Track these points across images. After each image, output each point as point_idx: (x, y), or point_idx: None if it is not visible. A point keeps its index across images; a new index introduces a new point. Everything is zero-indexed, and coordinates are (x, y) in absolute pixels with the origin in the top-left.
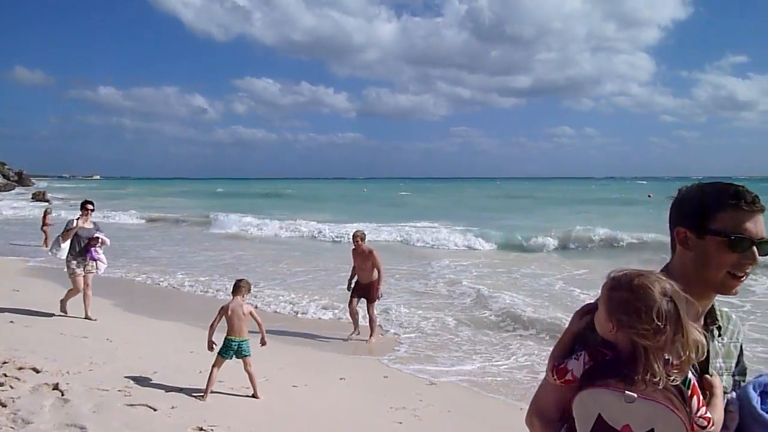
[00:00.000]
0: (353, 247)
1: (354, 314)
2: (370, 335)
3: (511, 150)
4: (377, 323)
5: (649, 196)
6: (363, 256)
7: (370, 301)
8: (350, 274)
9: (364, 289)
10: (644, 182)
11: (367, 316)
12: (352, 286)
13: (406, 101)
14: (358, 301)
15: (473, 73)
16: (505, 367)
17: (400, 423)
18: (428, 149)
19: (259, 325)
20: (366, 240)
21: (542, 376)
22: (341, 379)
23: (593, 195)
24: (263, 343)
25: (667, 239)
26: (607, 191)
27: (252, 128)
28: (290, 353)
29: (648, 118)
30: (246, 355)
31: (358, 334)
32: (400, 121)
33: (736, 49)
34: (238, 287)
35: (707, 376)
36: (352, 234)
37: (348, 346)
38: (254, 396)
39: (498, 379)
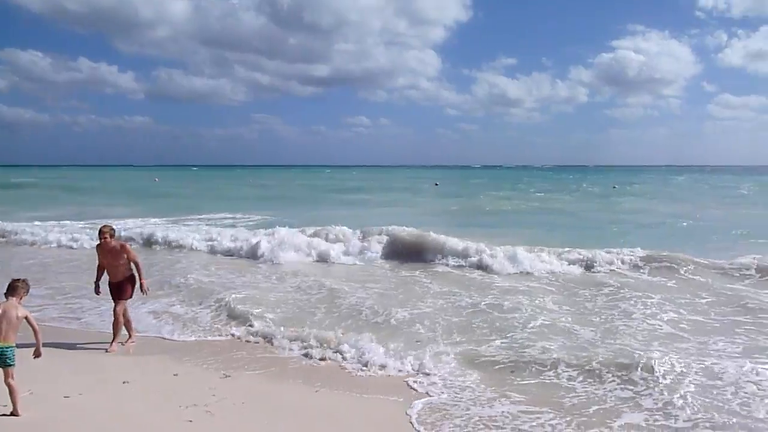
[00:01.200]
0: (98, 243)
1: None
2: (129, 339)
3: (311, 138)
4: (131, 324)
5: (436, 184)
6: (114, 253)
7: (121, 299)
8: (96, 275)
9: (119, 287)
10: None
11: (121, 317)
12: (100, 286)
13: (201, 85)
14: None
15: (272, 59)
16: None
17: (190, 421)
18: (228, 135)
19: (35, 332)
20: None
21: None
22: (124, 383)
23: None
24: (37, 354)
25: None
26: (394, 179)
27: (16, 107)
28: (64, 361)
29: (435, 111)
30: (9, 365)
31: (134, 342)
32: (196, 106)
33: (507, 52)
34: (14, 287)
35: None
36: (98, 229)
37: (134, 347)
38: (13, 414)
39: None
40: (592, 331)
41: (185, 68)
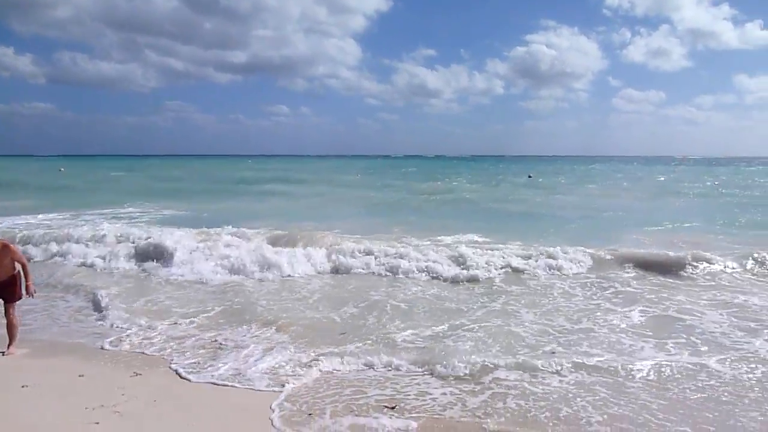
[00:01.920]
0: None
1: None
2: (9, 344)
3: (229, 127)
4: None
5: (358, 175)
6: None
7: (11, 301)
8: None
9: (4, 288)
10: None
11: (14, 318)
12: None
13: (109, 69)
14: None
15: (186, 45)
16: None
17: (97, 423)
18: (139, 124)
19: None
20: None
21: None
22: (23, 387)
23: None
24: None
25: None
26: (315, 170)
27: None
28: None
29: (356, 100)
30: None
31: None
32: (104, 92)
33: (427, 43)
34: None
35: None
36: None
37: (34, 346)
38: None
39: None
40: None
41: (91, 52)
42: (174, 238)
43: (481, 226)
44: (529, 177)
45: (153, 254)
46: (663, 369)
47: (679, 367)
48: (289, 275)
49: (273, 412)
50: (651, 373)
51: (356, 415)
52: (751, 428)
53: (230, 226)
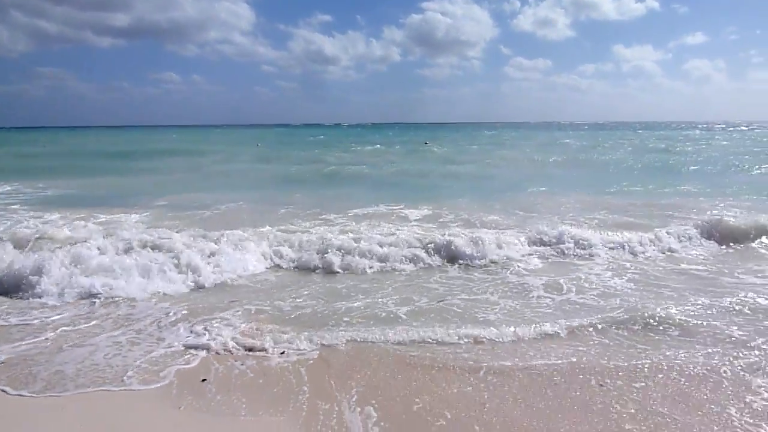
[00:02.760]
0: None
1: None
2: None
3: (112, 96)
4: None
5: (258, 144)
6: None
7: None
8: None
9: None
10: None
11: None
12: None
13: None
14: None
15: (59, 5)
16: None
17: None
18: (7, 93)
19: None
20: None
21: None
22: None
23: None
24: None
25: None
26: (211, 140)
27: None
28: None
29: (251, 67)
30: None
31: None
32: None
33: (322, 9)
34: None
35: None
36: None
37: None
38: None
39: None
40: None
41: None
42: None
43: (394, 195)
44: (426, 144)
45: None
46: None
47: None
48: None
49: None
50: None
51: None
52: None
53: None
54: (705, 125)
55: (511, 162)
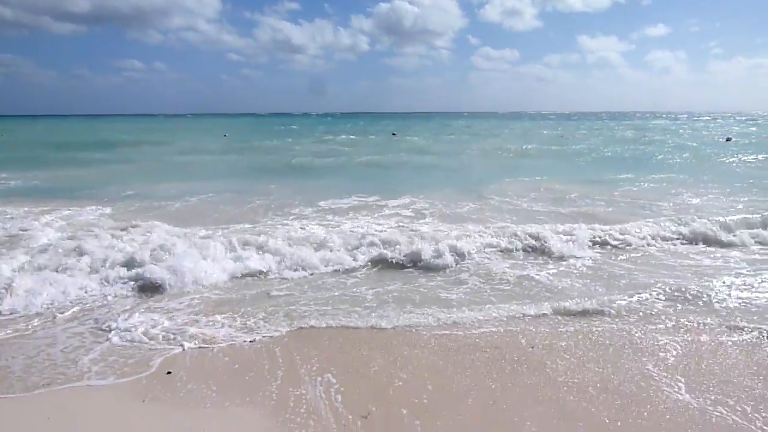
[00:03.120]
0: None
1: None
2: None
3: (73, 84)
4: None
5: (225, 135)
6: None
7: None
8: None
9: None
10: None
11: None
12: None
13: None
14: None
15: None
16: None
17: None
18: None
19: None
20: None
21: None
22: None
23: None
24: None
25: None
26: (175, 130)
27: None
28: None
29: (217, 55)
30: None
31: None
32: None
33: None
34: None
35: None
36: None
37: None
38: None
39: None
40: None
41: None
42: None
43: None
44: (393, 135)
45: None
46: None
47: None
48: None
49: None
50: None
51: None
52: None
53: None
54: (669, 115)
55: (489, 152)
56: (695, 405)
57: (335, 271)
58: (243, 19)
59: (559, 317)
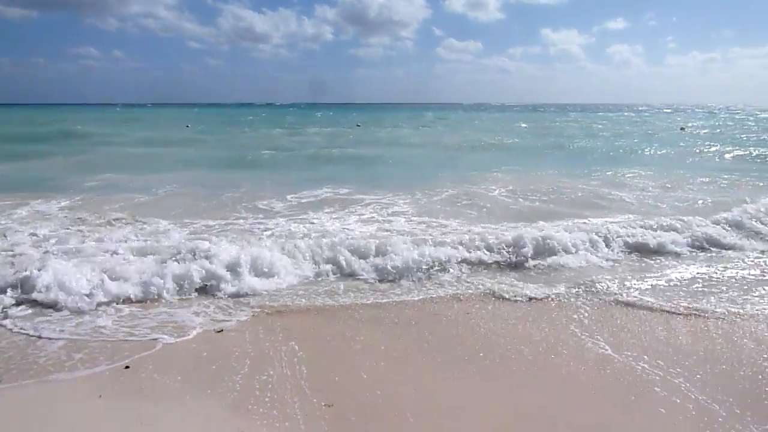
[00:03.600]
0: None
1: None
2: None
3: (25, 71)
4: None
5: (188, 126)
6: None
7: None
8: None
9: None
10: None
11: None
12: None
13: None
14: None
15: None
16: None
17: None
18: None
19: None
20: None
21: None
22: None
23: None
24: None
25: None
26: (134, 121)
27: None
28: None
29: (177, 43)
30: None
31: None
32: None
33: None
34: None
35: None
36: None
37: None
38: None
39: None
40: None
41: None
42: None
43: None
44: (358, 126)
45: None
46: None
47: None
48: None
49: None
50: None
51: None
52: None
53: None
54: (631, 107)
55: (466, 144)
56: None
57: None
58: (204, 6)
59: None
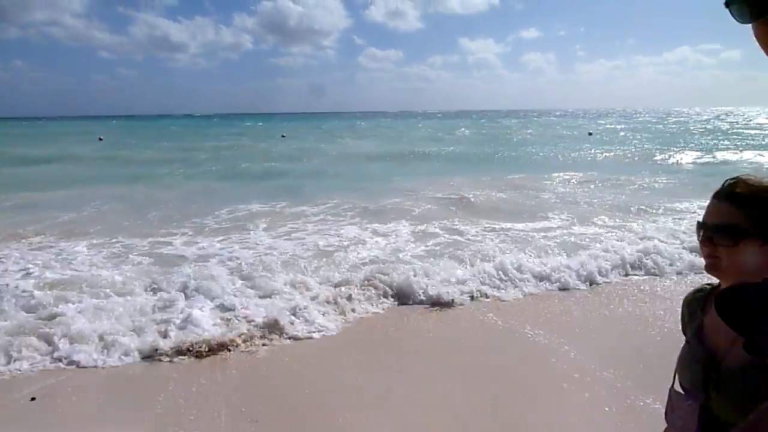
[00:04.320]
0: None
1: None
2: None
3: None
4: None
5: (100, 138)
6: None
7: None
8: None
9: None
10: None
11: None
12: None
13: None
14: None
15: None
16: None
17: None
18: None
19: None
20: None
21: None
22: None
23: None
24: None
25: None
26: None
27: None
28: None
29: (86, 53)
30: None
31: None
32: None
33: None
34: None
35: None
36: None
37: None
38: None
39: None
40: None
41: None
42: None
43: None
44: (283, 137)
45: None
46: None
47: None
48: None
49: None
50: None
51: None
52: None
53: None
54: (546, 113)
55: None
56: None
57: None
58: (115, 14)
59: None
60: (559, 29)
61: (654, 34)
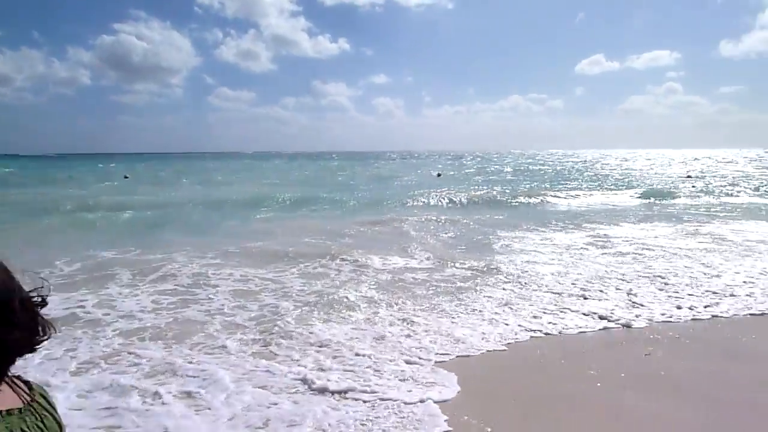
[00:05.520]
0: None
1: None
2: None
3: None
4: None
5: None
6: None
7: None
8: None
9: None
10: None
11: None
12: None
13: None
14: None
15: None
16: None
17: None
18: None
19: None
20: None
21: None
22: None
23: None
24: None
25: None
26: None
27: None
28: None
29: None
30: None
31: None
32: None
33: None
34: None
35: None
36: None
37: None
38: None
39: None
40: None
41: None
42: None
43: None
44: (126, 178)
45: None
46: None
47: None
48: None
49: None
50: None
51: None
52: None
53: None
54: (398, 153)
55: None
56: None
57: None
58: None
59: None
60: (406, 76)
61: (490, 84)
